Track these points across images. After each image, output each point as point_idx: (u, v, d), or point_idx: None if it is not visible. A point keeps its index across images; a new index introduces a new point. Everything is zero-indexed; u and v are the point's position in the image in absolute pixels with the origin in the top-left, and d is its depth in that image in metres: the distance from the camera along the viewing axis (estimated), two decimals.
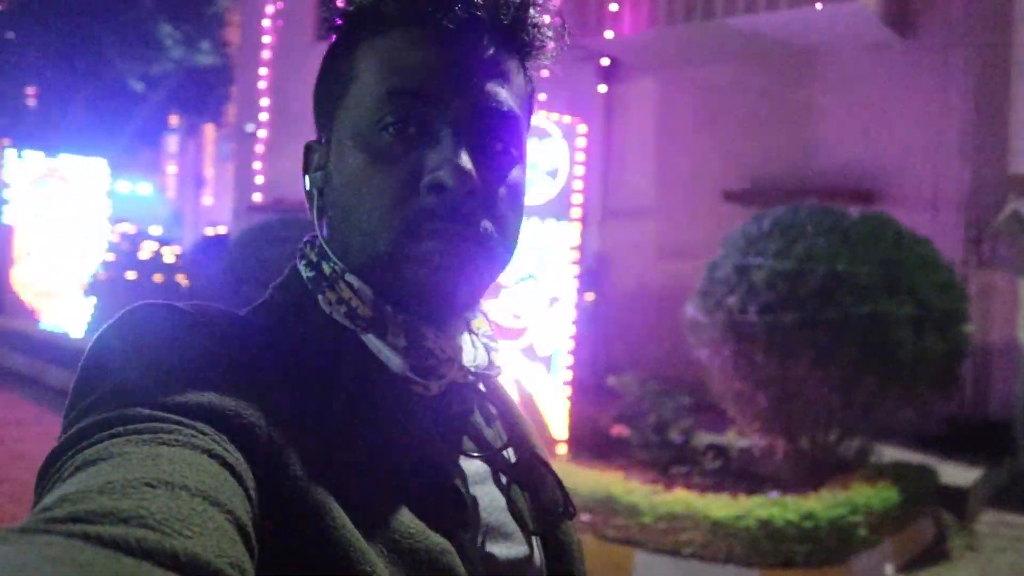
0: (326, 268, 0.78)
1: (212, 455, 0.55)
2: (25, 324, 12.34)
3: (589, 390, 7.53)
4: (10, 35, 15.80)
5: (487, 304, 0.88)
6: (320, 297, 0.77)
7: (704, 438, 6.52)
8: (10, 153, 13.15)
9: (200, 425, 0.58)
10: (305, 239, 0.83)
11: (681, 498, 4.86)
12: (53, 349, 10.67)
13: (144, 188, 20.01)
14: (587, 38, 9.59)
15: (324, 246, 0.80)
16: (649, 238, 10.68)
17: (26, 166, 13.11)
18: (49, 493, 0.50)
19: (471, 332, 0.84)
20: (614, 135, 11.05)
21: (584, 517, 4.92)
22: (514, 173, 0.78)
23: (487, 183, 0.75)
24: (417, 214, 0.72)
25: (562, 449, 6.89)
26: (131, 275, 11.46)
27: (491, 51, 0.76)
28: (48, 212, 13.10)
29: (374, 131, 0.74)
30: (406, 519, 0.67)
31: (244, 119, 15.69)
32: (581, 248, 7.86)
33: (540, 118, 6.97)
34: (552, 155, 6.96)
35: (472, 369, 0.79)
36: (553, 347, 6.99)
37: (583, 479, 5.23)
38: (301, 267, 0.80)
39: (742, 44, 9.32)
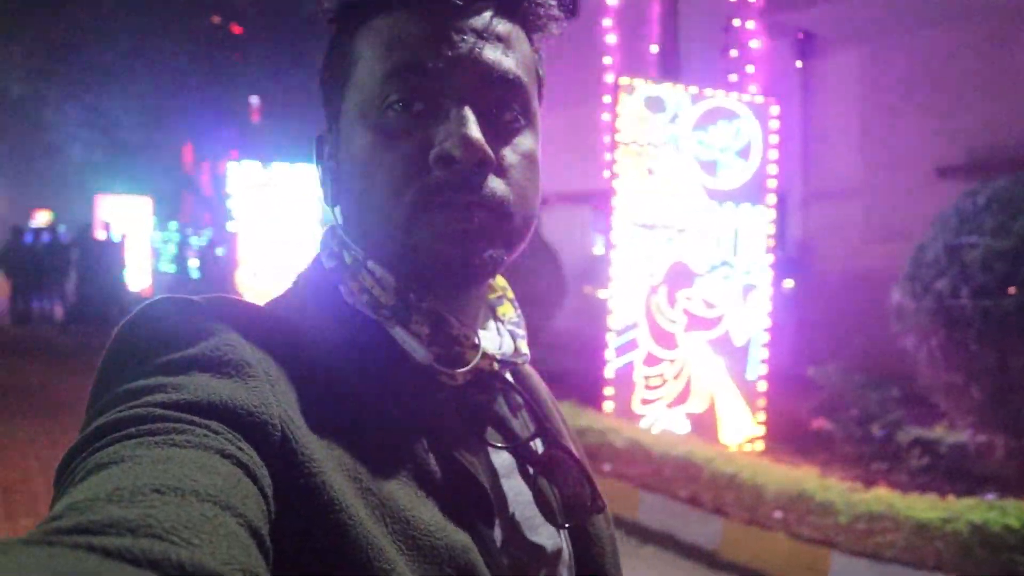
0: (347, 257, 0.78)
1: (225, 455, 0.55)
2: None
3: (787, 382, 7.18)
4: (236, 56, 17.20)
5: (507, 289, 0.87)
6: (343, 288, 0.77)
7: (910, 433, 6.02)
8: (232, 165, 14.27)
9: (214, 424, 0.57)
10: (326, 229, 0.82)
11: (882, 497, 4.50)
12: None
13: None
14: (782, 14, 9.14)
15: (343, 235, 0.79)
16: (853, 221, 10.02)
17: (245, 176, 14.17)
18: (61, 498, 0.50)
19: (496, 319, 0.85)
20: (813, 113, 10.46)
21: (776, 514, 4.68)
22: (526, 141, 0.77)
23: (498, 152, 0.74)
24: (428, 188, 0.72)
25: (758, 444, 6.62)
26: None
27: (494, 22, 0.75)
28: (265, 218, 14.10)
29: (380, 111, 0.73)
30: (427, 515, 0.66)
31: None
32: (777, 233, 7.50)
33: (730, 100, 6.72)
34: (742, 137, 6.70)
35: (498, 357, 0.78)
36: (749, 337, 6.73)
37: (774, 475, 4.99)
38: (323, 257, 0.80)
39: (953, 5, 8.53)
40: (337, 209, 0.81)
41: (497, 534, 0.73)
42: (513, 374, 0.86)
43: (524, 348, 0.85)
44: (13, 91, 19.03)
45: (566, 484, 0.80)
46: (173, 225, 17.61)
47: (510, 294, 0.89)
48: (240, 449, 0.57)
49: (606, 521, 0.87)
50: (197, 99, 18.08)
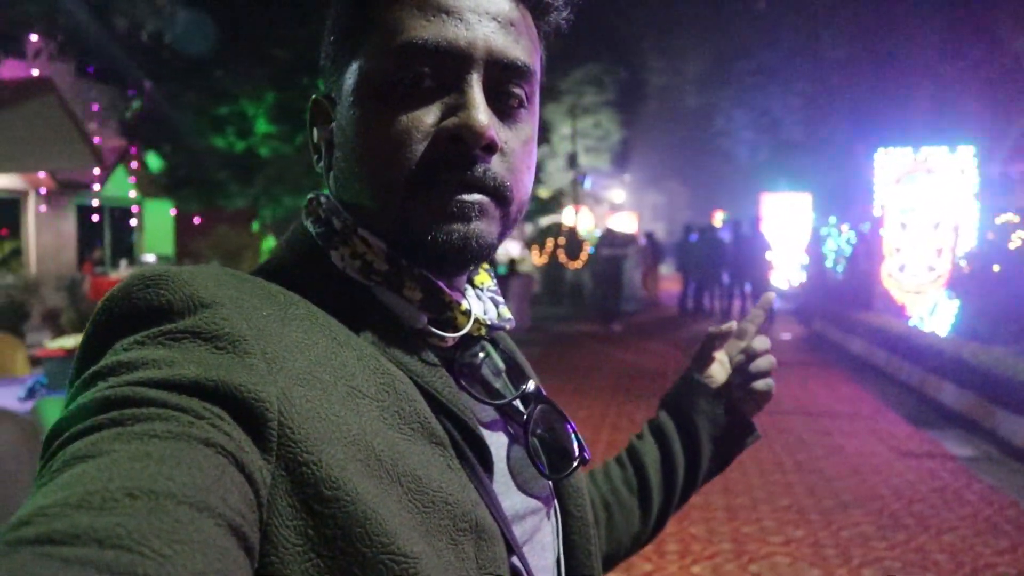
0: (336, 223, 0.78)
1: (209, 444, 0.53)
2: (888, 320, 12.43)
3: None
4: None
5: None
6: (333, 253, 0.77)
7: None
8: (879, 153, 13.46)
9: (203, 407, 0.56)
10: (310, 196, 0.83)
11: None
12: (910, 346, 10.51)
13: None
14: None
15: (333, 201, 0.80)
16: None
17: (891, 163, 13.24)
18: (36, 491, 0.50)
19: (474, 287, 0.88)
20: None
21: None
22: (527, 127, 0.79)
23: (501, 136, 0.76)
24: (430, 163, 0.73)
25: None
26: (996, 268, 10.57)
27: (507, 5, 0.76)
28: (914, 207, 12.96)
29: (389, 84, 0.74)
30: (436, 472, 0.66)
31: None
32: None
33: None
34: None
35: (486, 322, 0.81)
36: None
37: None
38: (308, 224, 0.81)
39: None
40: (331, 174, 0.81)
41: (497, 488, 0.75)
42: (491, 339, 0.88)
43: (507, 314, 0.88)
44: (690, 103, 20.94)
45: (554, 437, 0.86)
46: (832, 220, 17.36)
47: (485, 265, 0.91)
48: (228, 435, 0.55)
49: (582, 474, 0.93)
50: (862, 90, 17.58)
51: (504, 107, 0.77)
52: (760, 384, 1.16)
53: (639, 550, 1.17)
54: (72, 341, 5.60)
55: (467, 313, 0.78)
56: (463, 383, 0.79)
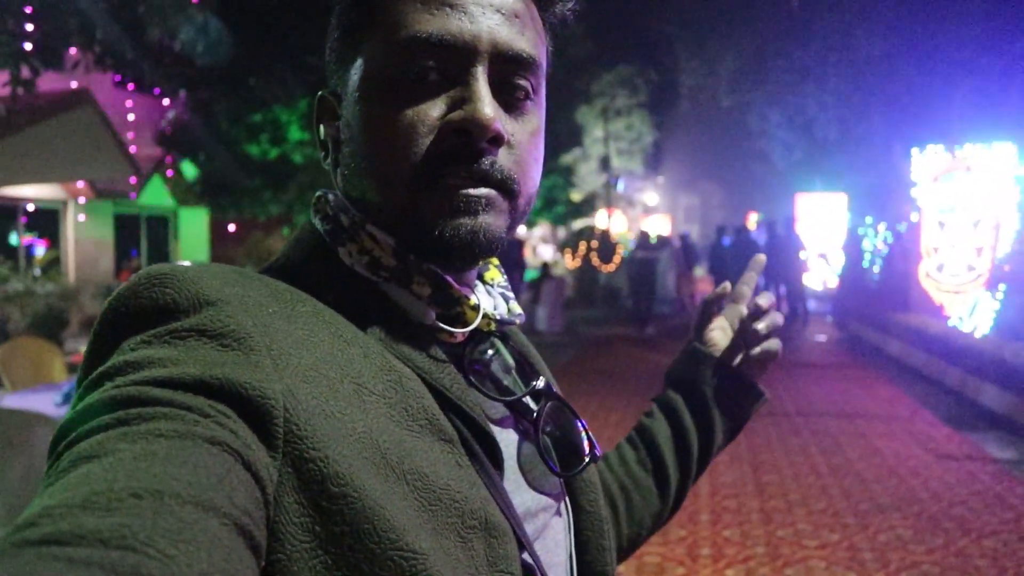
0: (344, 220, 0.78)
1: (215, 443, 0.53)
2: (926, 320, 12.22)
3: None
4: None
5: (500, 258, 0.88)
6: (341, 249, 0.77)
7: None
8: (915, 152, 13.25)
9: (208, 405, 0.56)
10: (318, 193, 0.83)
11: None
12: (948, 347, 10.33)
13: None
14: None
15: (341, 198, 0.80)
16: None
17: (928, 161, 13.02)
18: (43, 491, 0.50)
19: (484, 283, 0.87)
20: None
21: None
22: (534, 120, 0.79)
23: (508, 129, 0.75)
24: (437, 157, 0.72)
25: None
26: None
27: (513, 0, 0.76)
28: (952, 206, 12.73)
29: (395, 79, 0.74)
30: (444, 470, 0.66)
31: None
32: None
33: None
34: None
35: (495, 317, 0.81)
36: None
37: None
38: (316, 221, 0.81)
39: None
40: (338, 171, 0.81)
41: (507, 485, 0.75)
42: (502, 335, 0.87)
43: (517, 309, 0.87)
44: (723, 103, 20.80)
45: (565, 434, 0.86)
46: (869, 220, 17.12)
47: (495, 260, 0.90)
48: (234, 433, 0.55)
49: (594, 471, 0.92)
50: (898, 87, 17.33)
51: (510, 99, 0.76)
52: (765, 345, 1.15)
53: (661, 528, 1.17)
54: None
55: (476, 308, 0.78)
56: (472, 379, 0.78)
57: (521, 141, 0.77)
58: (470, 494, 0.66)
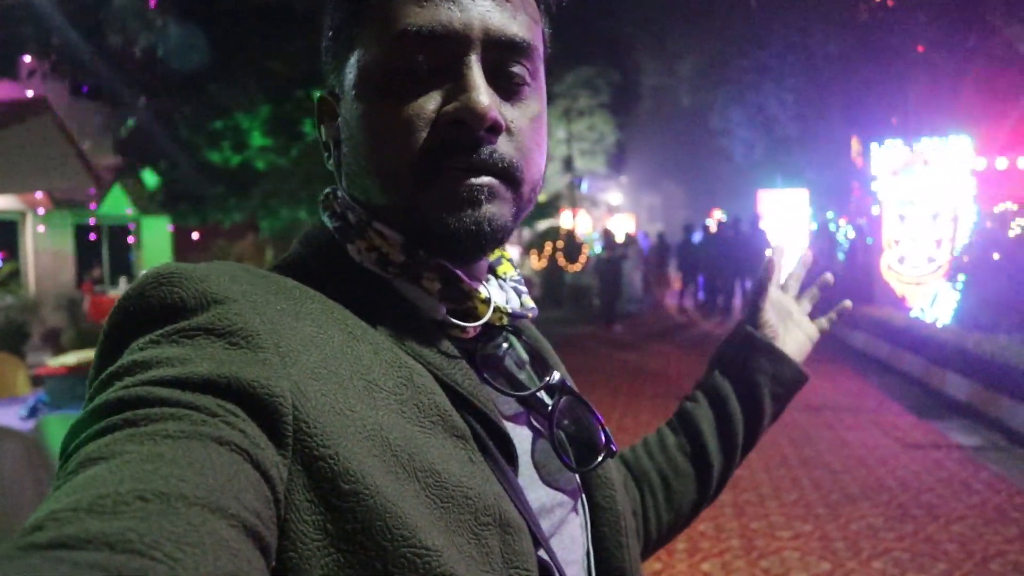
0: (352, 217, 0.78)
1: (223, 442, 0.53)
2: (890, 312, 12.42)
3: None
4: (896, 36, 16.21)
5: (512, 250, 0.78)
6: (350, 246, 0.77)
7: None
8: (874, 147, 13.47)
9: (216, 403, 0.56)
10: (326, 191, 0.83)
11: None
12: (912, 338, 10.51)
13: None
14: None
15: (346, 196, 0.80)
16: None
17: (887, 156, 13.24)
18: (51, 493, 0.50)
19: (497, 277, 0.86)
20: None
21: None
22: (534, 105, 0.78)
23: (507, 115, 0.74)
24: (435, 151, 0.72)
25: None
26: (995, 256, 10.56)
27: None
28: (910, 199, 12.96)
29: (387, 75, 0.73)
30: (457, 467, 0.65)
31: None
32: None
33: None
34: None
35: (507, 311, 0.80)
36: None
37: None
38: (325, 218, 0.81)
39: None
40: (341, 171, 0.81)
41: (522, 481, 0.74)
42: (515, 329, 0.87)
43: (530, 303, 0.86)
44: (684, 102, 20.97)
45: (580, 429, 0.85)
46: (830, 215, 17.37)
47: (508, 255, 0.90)
48: (242, 432, 0.55)
49: (613, 465, 0.90)
50: (856, 84, 17.59)
51: (507, 86, 0.75)
52: (822, 322, 1.24)
53: (698, 514, 1.16)
54: (74, 358, 5.60)
55: (487, 302, 0.77)
56: (485, 375, 0.77)
57: (521, 128, 0.75)
58: (483, 490, 0.66)
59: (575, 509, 0.82)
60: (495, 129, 0.72)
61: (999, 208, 11.37)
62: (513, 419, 0.79)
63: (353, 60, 0.76)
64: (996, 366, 7.87)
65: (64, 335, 11.60)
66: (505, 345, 0.83)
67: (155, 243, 17.99)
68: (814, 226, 19.77)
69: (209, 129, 12.70)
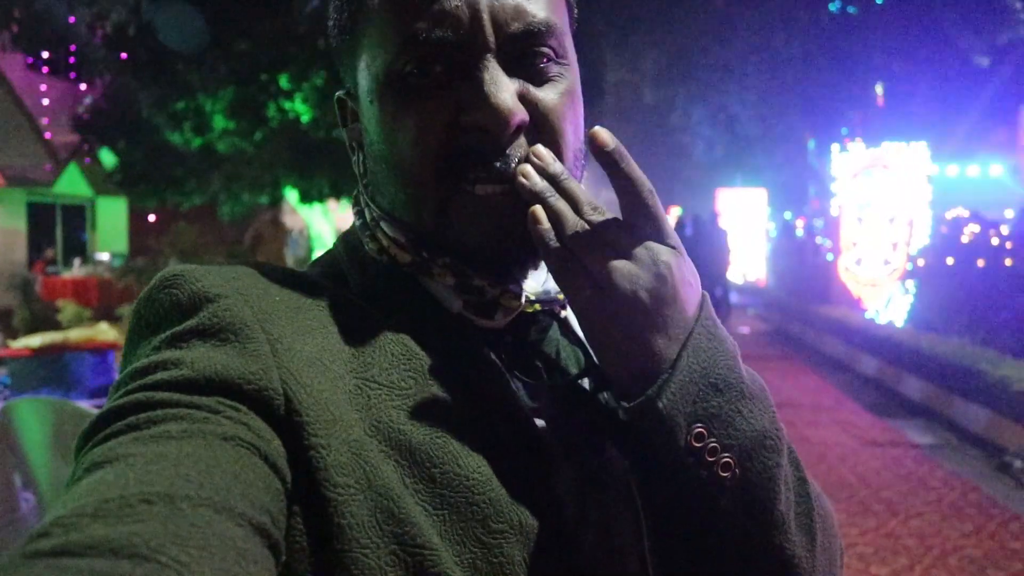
0: (367, 215, 0.78)
1: (227, 438, 0.54)
2: (846, 312, 12.68)
3: None
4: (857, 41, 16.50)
5: None
6: (367, 245, 0.76)
7: None
8: (835, 148, 13.72)
9: (215, 401, 0.56)
10: (357, 189, 0.82)
11: None
12: (868, 338, 10.74)
13: (995, 170, 18.63)
14: None
15: (365, 196, 0.79)
16: None
17: (848, 158, 13.50)
18: (56, 502, 0.50)
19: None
20: None
21: None
22: (564, 81, 0.73)
23: (535, 97, 0.70)
24: (458, 157, 0.69)
25: None
26: (950, 261, 10.83)
27: None
28: (868, 202, 13.24)
29: (399, 78, 0.69)
30: (471, 468, 0.63)
31: None
32: None
33: None
34: None
35: (533, 298, 0.75)
36: None
37: None
38: (354, 215, 0.81)
39: None
40: (366, 176, 0.79)
41: (565, 474, 0.69)
42: (558, 313, 0.79)
43: None
44: (647, 97, 21.10)
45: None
46: (788, 215, 17.66)
47: None
48: (245, 425, 0.55)
49: None
50: (816, 86, 17.88)
51: (532, 69, 0.70)
52: None
53: None
54: (38, 340, 5.49)
55: (512, 294, 0.73)
56: (511, 366, 0.73)
57: (553, 107, 0.71)
58: (496, 494, 0.63)
59: (623, 499, 0.72)
60: (520, 129, 0.69)
61: (951, 214, 11.67)
62: (540, 412, 0.72)
63: (363, 63, 0.73)
64: (950, 368, 8.09)
65: (16, 316, 11.31)
66: (541, 332, 0.77)
67: (111, 224, 17.68)
68: (772, 225, 20.08)
69: (171, 110, 12.47)
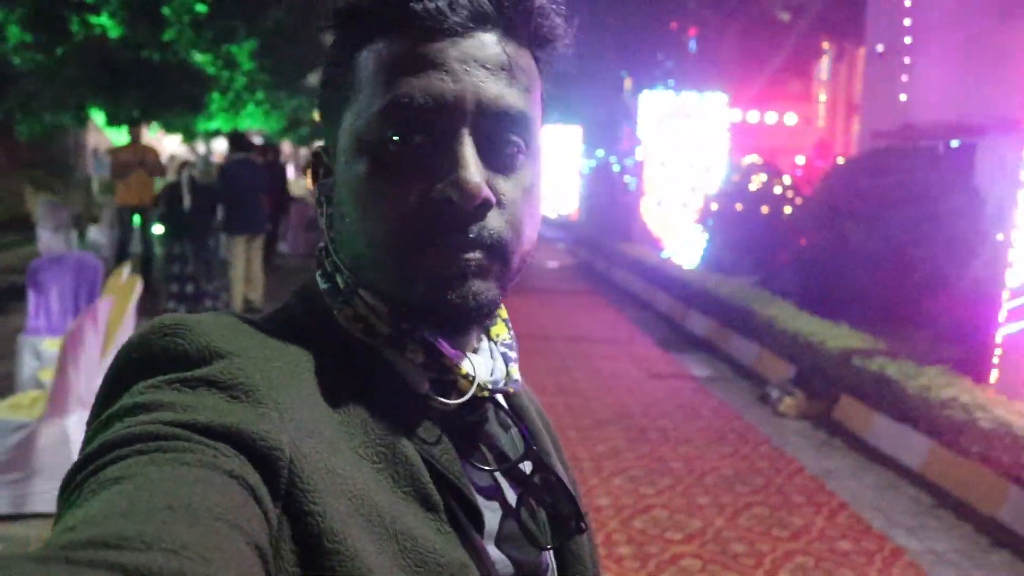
0: (340, 281, 0.77)
1: (233, 475, 0.55)
2: (645, 251, 13.50)
3: None
4: None
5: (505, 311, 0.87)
6: (337, 313, 0.76)
7: None
8: (644, 94, 14.36)
9: (222, 447, 0.57)
10: (320, 245, 0.82)
11: None
12: (663, 277, 11.51)
13: (790, 119, 20.06)
14: None
15: (336, 258, 0.79)
16: None
17: (656, 105, 14.17)
18: (71, 510, 0.51)
19: (490, 339, 0.85)
20: None
21: None
22: (527, 173, 0.76)
23: (499, 187, 0.73)
24: (424, 227, 0.71)
25: None
26: (739, 207, 11.70)
27: (497, 48, 0.73)
28: (671, 146, 14.01)
29: (379, 141, 0.72)
30: (430, 535, 0.67)
31: (876, 39, 14.62)
32: None
33: None
34: None
35: (488, 386, 0.78)
36: None
37: None
38: (318, 277, 0.80)
39: None
40: (332, 231, 0.80)
41: (491, 552, 0.74)
42: (504, 396, 0.85)
43: (516, 374, 0.84)
44: None
45: (553, 505, 0.83)
46: (600, 153, 18.33)
47: (504, 314, 0.88)
48: (248, 472, 0.57)
49: (589, 537, 0.90)
50: (630, 27, 18.45)
51: (500, 157, 0.73)
52: None
53: None
54: None
55: (468, 377, 0.76)
56: (462, 448, 0.77)
57: (514, 199, 0.74)
58: (453, 560, 0.67)
59: None
60: (485, 205, 0.71)
61: (746, 160, 12.58)
62: (486, 492, 0.78)
63: (346, 124, 0.76)
64: (730, 306, 8.89)
65: None
66: (489, 415, 0.82)
67: None
68: (591, 163, 20.77)
69: None
